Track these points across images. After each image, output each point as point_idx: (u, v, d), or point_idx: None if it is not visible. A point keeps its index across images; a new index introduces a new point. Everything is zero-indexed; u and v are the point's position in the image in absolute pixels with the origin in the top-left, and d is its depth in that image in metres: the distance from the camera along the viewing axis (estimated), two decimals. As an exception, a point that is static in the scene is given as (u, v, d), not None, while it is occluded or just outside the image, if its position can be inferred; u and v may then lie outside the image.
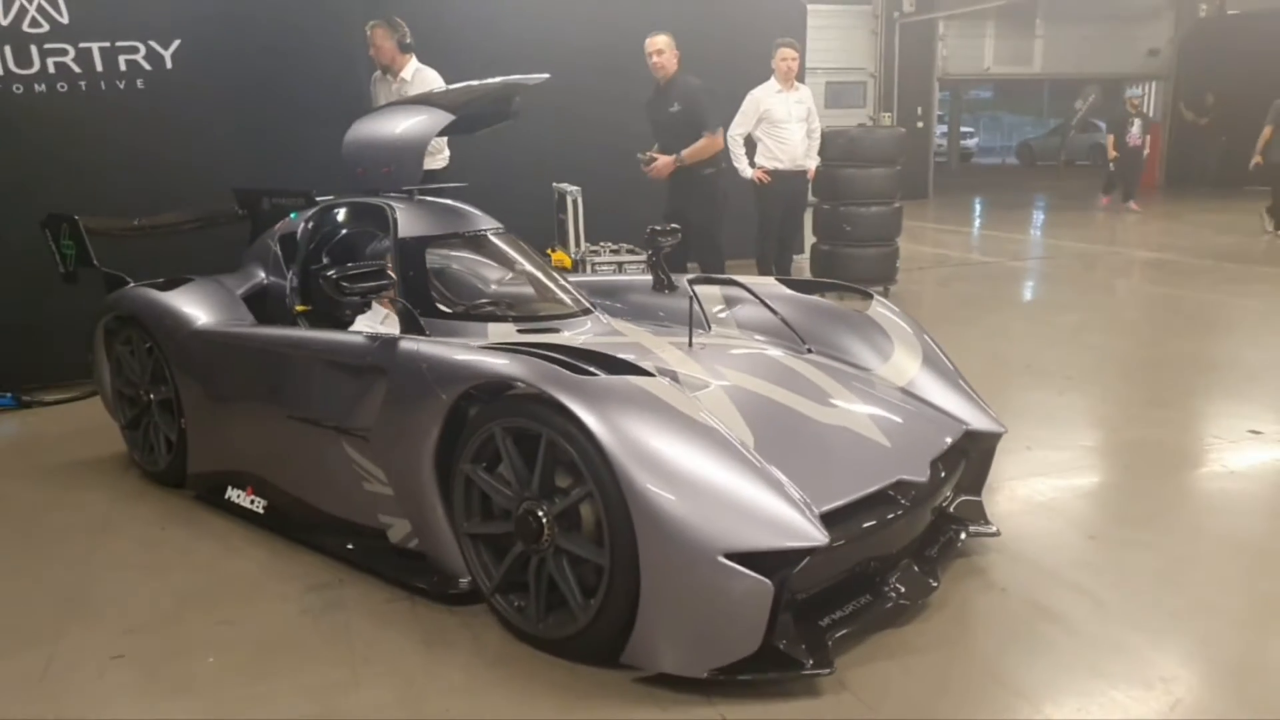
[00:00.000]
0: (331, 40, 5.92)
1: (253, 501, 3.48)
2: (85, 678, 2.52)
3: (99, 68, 5.29)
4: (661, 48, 5.63)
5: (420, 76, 5.60)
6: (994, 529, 3.14)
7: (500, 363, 2.60)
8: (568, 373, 2.46)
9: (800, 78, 6.89)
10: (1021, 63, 17.60)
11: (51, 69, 5.19)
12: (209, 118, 5.56)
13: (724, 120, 5.69)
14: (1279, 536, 3.25)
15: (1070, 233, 11.98)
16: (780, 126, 6.66)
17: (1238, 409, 4.58)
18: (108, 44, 5.29)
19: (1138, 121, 13.79)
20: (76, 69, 5.24)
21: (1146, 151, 14.14)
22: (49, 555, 3.31)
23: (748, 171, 6.69)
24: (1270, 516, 3.43)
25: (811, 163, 6.89)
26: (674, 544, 2.24)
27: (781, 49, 6.65)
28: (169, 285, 3.88)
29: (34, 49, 5.14)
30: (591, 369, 2.49)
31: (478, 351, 2.73)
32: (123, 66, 5.33)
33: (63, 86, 5.24)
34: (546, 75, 4.10)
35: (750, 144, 6.79)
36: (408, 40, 5.60)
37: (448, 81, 5.27)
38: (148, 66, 5.39)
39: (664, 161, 5.64)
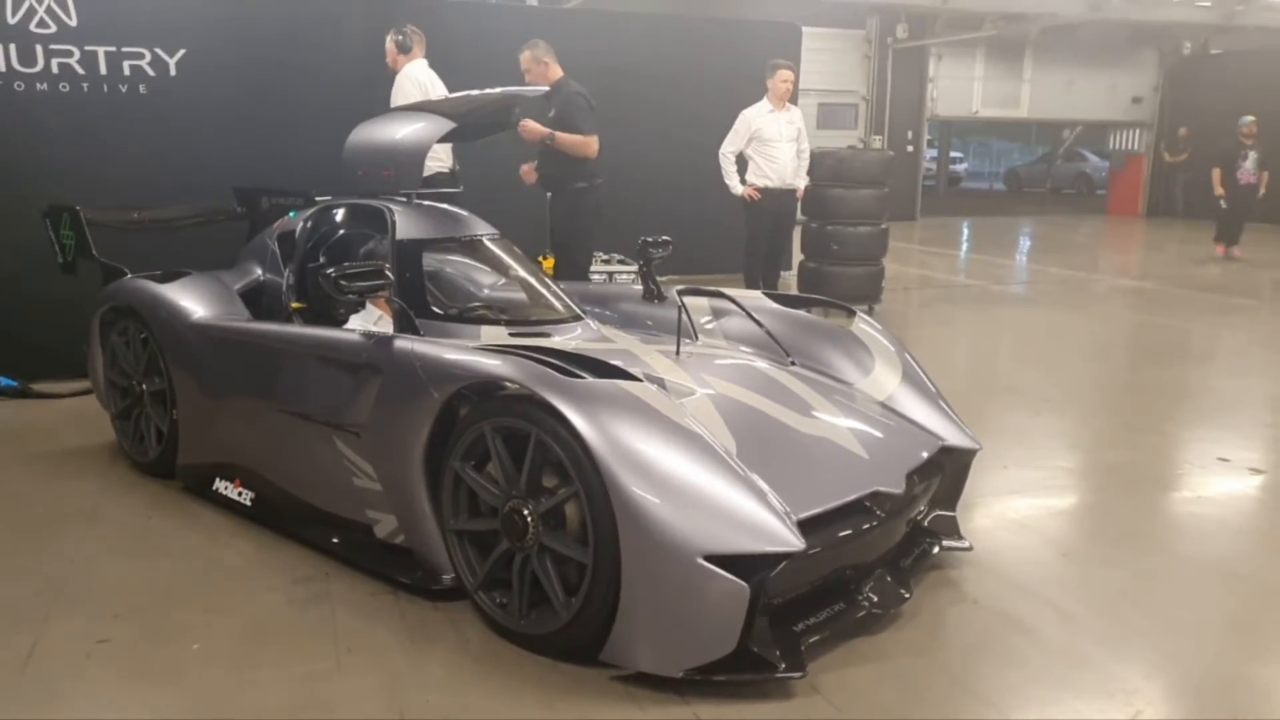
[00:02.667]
0: (334, 51, 6.03)
1: (240, 494, 3.52)
2: (71, 662, 2.56)
3: (103, 71, 5.38)
4: (526, 65, 5.42)
5: (401, 76, 5.65)
6: (967, 544, 3.22)
7: (492, 363, 2.67)
8: (558, 375, 2.53)
9: (793, 99, 7.01)
10: (1009, 106, 17.93)
11: (55, 69, 5.28)
12: (211, 123, 5.65)
13: (598, 129, 5.36)
14: (1243, 559, 3.34)
15: (1054, 259, 12.16)
16: (771, 145, 6.77)
17: (1208, 436, 4.69)
18: (114, 48, 5.38)
19: (1252, 154, 11.39)
20: (80, 70, 5.33)
21: (1263, 190, 11.57)
22: (36, 541, 3.34)
23: (738, 189, 6.80)
24: (1235, 540, 3.53)
25: (801, 182, 7.00)
26: (655, 544, 2.30)
27: (781, 70, 6.76)
28: (167, 278, 3.93)
29: (39, 49, 5.22)
30: (581, 372, 2.56)
31: (470, 352, 2.80)
32: (126, 71, 5.44)
33: (65, 86, 5.31)
34: (546, 88, 4.19)
35: (741, 162, 6.90)
36: (399, 39, 5.65)
37: (450, 89, 5.35)
38: (152, 72, 5.49)
39: (534, 126, 5.22)
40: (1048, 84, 17.86)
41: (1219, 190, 11.54)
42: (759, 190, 6.78)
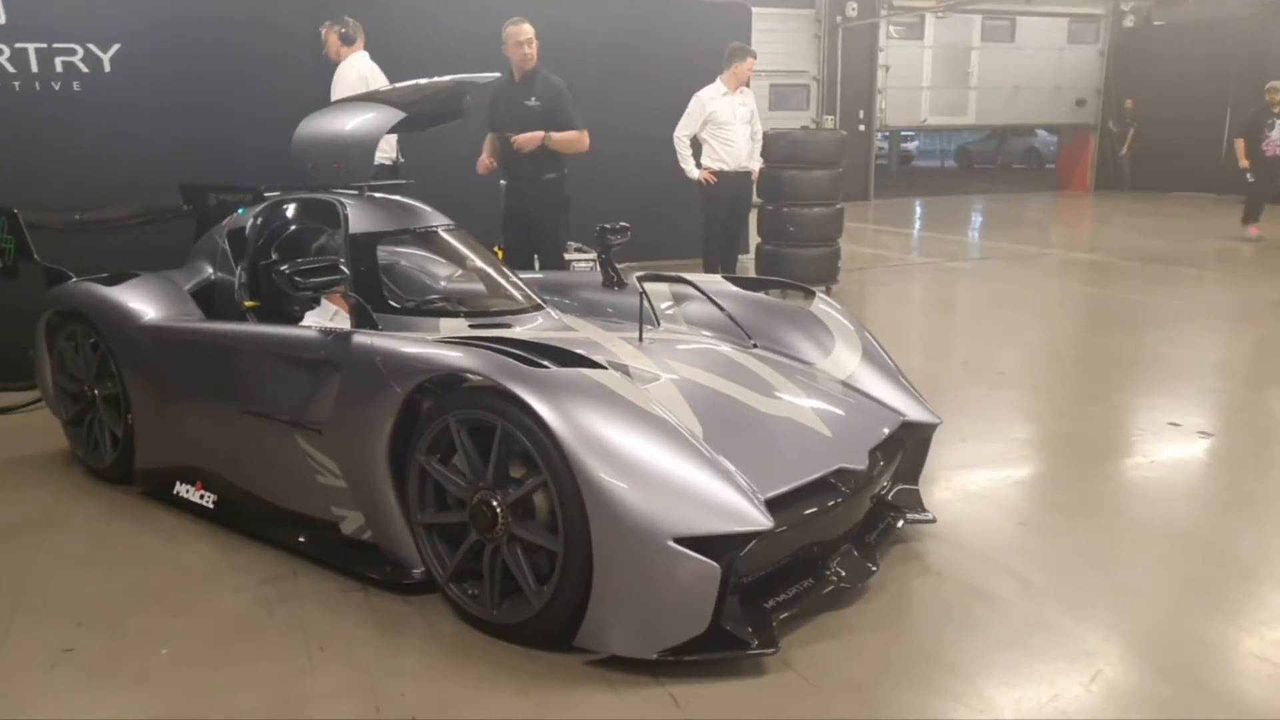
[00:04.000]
0: (275, 42, 5.91)
1: (202, 496, 3.47)
2: (35, 672, 2.51)
3: (34, 69, 5.21)
4: (533, 37, 5.36)
5: (344, 66, 5.66)
6: (930, 516, 3.28)
7: (454, 355, 2.65)
8: (522, 365, 2.53)
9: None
10: (957, 114, 18.46)
11: None
12: (150, 120, 5.50)
13: (587, 121, 5.43)
14: (1195, 522, 3.45)
15: (1006, 234, 12.36)
16: (725, 128, 6.78)
17: (1159, 403, 4.82)
18: (45, 45, 5.21)
19: None
20: (11, 69, 5.17)
21: None
22: (-9, 552, 3.27)
23: (694, 172, 6.80)
24: (1187, 503, 3.64)
25: (755, 164, 7.03)
26: (626, 529, 2.32)
27: (748, 58, 6.78)
28: (114, 280, 3.84)
29: None
30: (545, 362, 2.56)
31: (431, 345, 2.78)
32: (59, 68, 5.27)
33: None
34: (497, 75, 4.15)
35: (695, 145, 6.91)
36: (344, 31, 5.73)
37: (396, 79, 5.29)
38: (85, 69, 5.33)
39: (529, 136, 5.27)
40: (993, 91, 18.42)
41: (1243, 163, 10.49)
42: (714, 173, 6.80)
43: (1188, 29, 17.37)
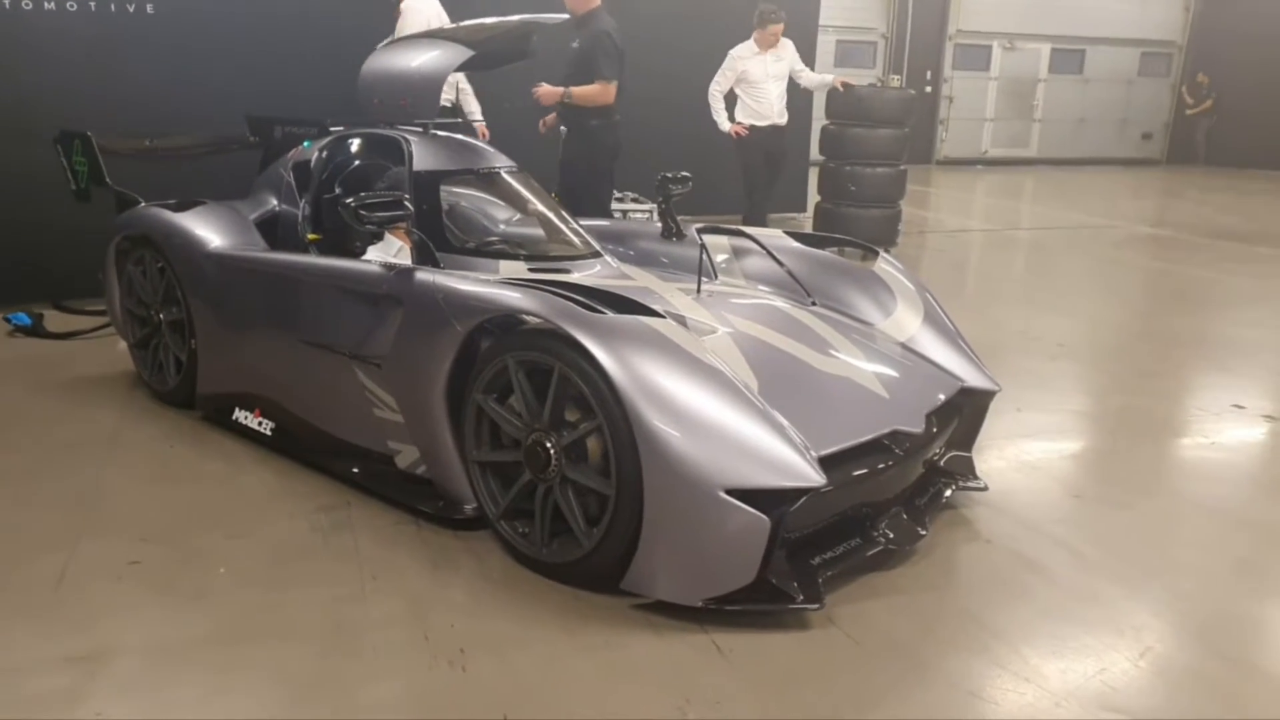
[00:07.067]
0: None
1: (260, 423, 3.55)
2: (103, 582, 2.61)
3: None
4: None
5: (407, 8, 5.59)
6: (982, 484, 3.24)
7: (515, 297, 2.66)
8: (582, 310, 2.53)
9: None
10: (1019, 146, 17.87)
11: None
12: (220, 46, 5.56)
13: (619, 74, 5.27)
14: (1254, 504, 3.37)
15: (1073, 204, 12.01)
16: (757, 86, 6.76)
17: (1223, 383, 4.69)
18: None
19: None
20: None
21: None
22: (61, 466, 3.39)
23: (726, 125, 6.79)
24: (1247, 486, 3.55)
25: (827, 76, 7.26)
26: (678, 478, 2.33)
27: (769, 24, 6.66)
28: (182, 207, 3.91)
29: None
30: (603, 308, 2.56)
31: (493, 285, 2.79)
32: None
33: (72, 5, 5.21)
34: (565, 16, 4.10)
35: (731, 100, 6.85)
36: None
37: (462, 18, 5.25)
38: None
39: (548, 90, 5.26)
40: (1058, 124, 17.83)
41: None
42: (746, 127, 6.72)
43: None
